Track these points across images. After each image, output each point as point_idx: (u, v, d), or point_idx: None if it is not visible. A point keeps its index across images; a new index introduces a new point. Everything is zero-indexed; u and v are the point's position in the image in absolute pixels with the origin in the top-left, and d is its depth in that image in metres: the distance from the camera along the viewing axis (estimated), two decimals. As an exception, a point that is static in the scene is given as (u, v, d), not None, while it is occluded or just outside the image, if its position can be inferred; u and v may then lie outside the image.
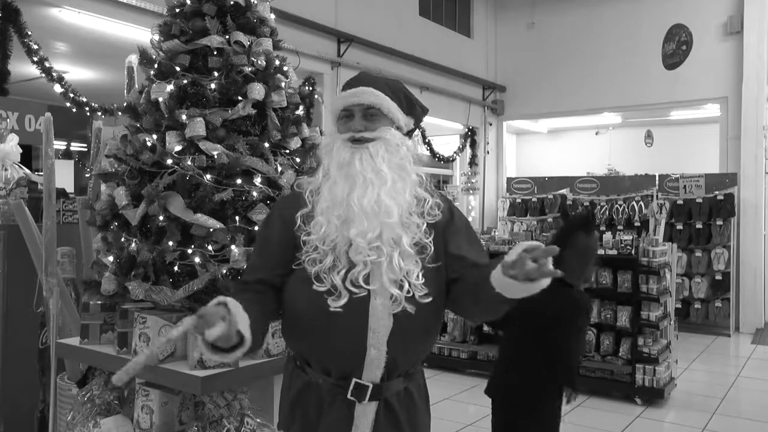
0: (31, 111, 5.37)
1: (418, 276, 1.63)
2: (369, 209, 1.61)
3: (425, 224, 1.68)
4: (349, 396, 1.64)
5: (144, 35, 3.86)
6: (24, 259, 3.61)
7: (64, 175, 9.02)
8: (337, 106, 1.77)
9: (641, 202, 8.89)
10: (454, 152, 11.19)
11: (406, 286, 1.61)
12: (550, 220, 9.69)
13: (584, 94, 10.59)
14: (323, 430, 1.69)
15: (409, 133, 1.81)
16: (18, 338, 3.72)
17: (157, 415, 2.42)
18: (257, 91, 2.72)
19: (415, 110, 1.82)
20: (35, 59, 5.32)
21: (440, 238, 1.71)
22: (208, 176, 2.58)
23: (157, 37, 2.89)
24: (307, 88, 2.98)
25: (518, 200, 10.31)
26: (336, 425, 1.66)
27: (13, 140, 4.26)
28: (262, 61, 2.80)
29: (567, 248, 2.86)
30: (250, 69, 2.75)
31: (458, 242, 1.73)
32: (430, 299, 1.63)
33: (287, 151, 2.85)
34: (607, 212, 9.23)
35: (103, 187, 3.00)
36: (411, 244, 1.63)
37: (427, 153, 10.44)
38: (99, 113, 5.72)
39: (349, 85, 1.78)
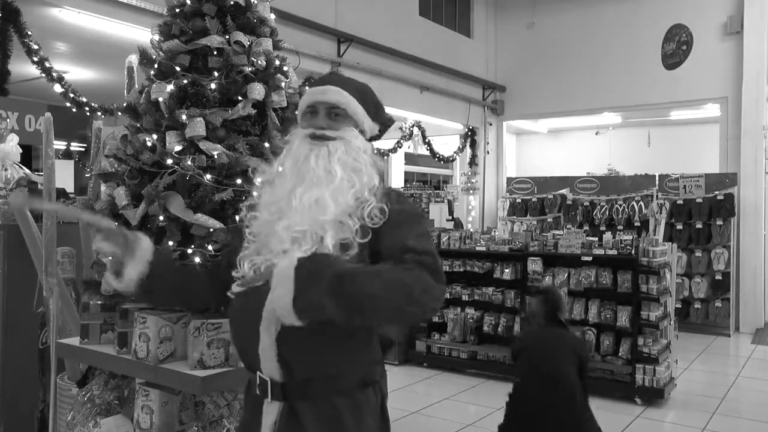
0: (31, 111, 5.37)
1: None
2: (306, 205, 1.58)
3: (359, 226, 1.58)
4: (257, 391, 1.64)
5: (144, 35, 3.87)
6: (24, 259, 3.61)
7: (64, 175, 9.02)
8: (303, 102, 1.77)
9: (641, 202, 8.90)
10: (454, 152, 11.19)
11: None
12: (550, 220, 9.70)
13: (584, 94, 10.59)
14: (240, 424, 1.77)
15: (372, 139, 1.81)
16: (18, 338, 3.72)
17: (157, 415, 2.42)
18: (257, 91, 2.72)
19: (381, 116, 1.81)
20: (35, 59, 5.32)
21: (375, 240, 1.60)
22: (208, 176, 2.58)
23: (157, 37, 2.89)
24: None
25: (518, 200, 10.31)
26: (249, 420, 1.69)
27: (13, 140, 4.26)
28: (262, 61, 2.80)
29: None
30: (250, 69, 2.75)
31: (387, 240, 1.60)
32: None
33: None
34: (607, 212, 9.23)
35: (103, 187, 3.00)
36: (335, 243, 1.55)
37: (427, 153, 10.46)
38: (99, 113, 5.73)
39: (317, 82, 1.78)
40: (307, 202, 1.58)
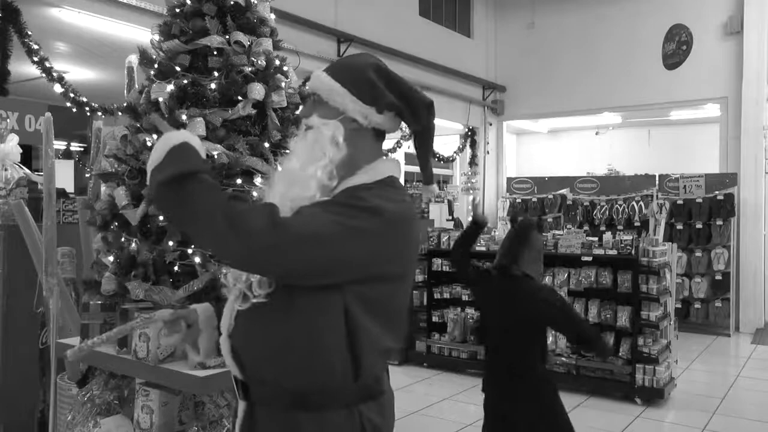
0: (31, 111, 5.37)
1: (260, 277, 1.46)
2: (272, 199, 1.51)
3: None
4: (235, 388, 1.61)
5: (144, 35, 3.87)
6: (24, 259, 3.61)
7: (64, 175, 9.02)
8: None
9: (641, 202, 8.89)
10: (454, 152, 11.20)
11: (253, 282, 1.47)
12: (550, 220, 9.69)
13: (584, 94, 10.59)
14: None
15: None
16: (18, 338, 3.72)
17: (157, 415, 2.42)
18: (257, 91, 2.72)
19: (380, 98, 1.55)
20: (35, 59, 5.32)
21: None
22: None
23: (157, 37, 2.89)
24: (307, 88, 2.97)
25: (518, 200, 10.31)
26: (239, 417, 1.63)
27: (13, 140, 4.26)
28: (262, 61, 2.80)
29: (524, 246, 3.02)
30: (250, 69, 2.75)
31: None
32: (263, 301, 1.45)
33: (287, 151, 2.85)
34: (607, 212, 9.23)
35: (103, 187, 3.00)
36: None
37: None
38: (99, 113, 5.73)
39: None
40: (274, 196, 1.50)
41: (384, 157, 1.62)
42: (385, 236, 1.44)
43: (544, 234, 6.51)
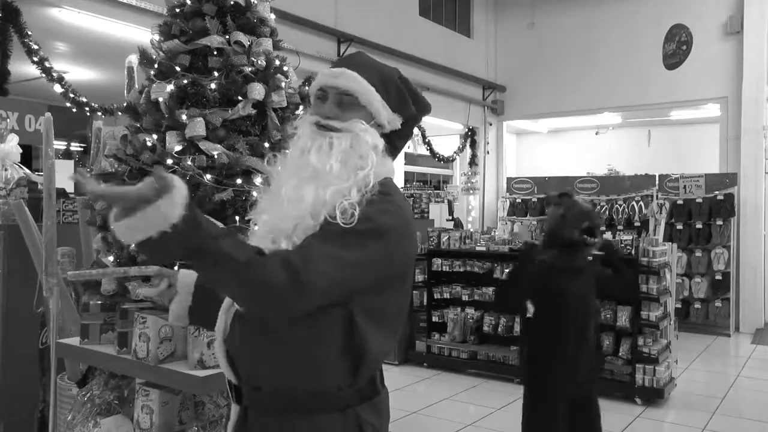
0: (31, 111, 5.37)
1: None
2: (289, 199, 1.45)
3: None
4: (228, 391, 1.59)
5: (144, 35, 3.87)
6: (24, 259, 3.61)
7: (64, 175, 9.01)
8: (314, 84, 1.57)
9: (641, 202, 8.89)
10: (454, 152, 11.19)
11: None
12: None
13: (584, 94, 10.59)
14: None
15: (399, 135, 1.60)
16: (18, 338, 3.72)
17: (157, 415, 2.42)
18: (257, 91, 2.72)
19: (405, 107, 1.57)
20: (35, 59, 5.32)
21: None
22: (208, 176, 2.58)
23: (157, 37, 2.89)
24: (307, 88, 2.98)
25: (518, 200, 10.31)
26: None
27: (13, 140, 4.26)
28: (262, 61, 2.81)
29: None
30: (250, 69, 2.75)
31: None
32: None
33: (287, 151, 2.85)
34: (607, 212, 9.23)
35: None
36: (285, 240, 1.42)
37: (427, 153, 10.45)
38: (99, 113, 5.73)
39: (336, 64, 1.59)
40: (293, 196, 1.44)
41: (382, 158, 1.57)
42: (392, 255, 1.44)
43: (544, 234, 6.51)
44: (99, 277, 1.71)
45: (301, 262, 1.31)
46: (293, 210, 1.42)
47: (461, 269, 6.52)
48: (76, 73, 7.96)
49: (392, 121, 1.56)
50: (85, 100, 5.76)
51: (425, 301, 6.74)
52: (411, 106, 1.58)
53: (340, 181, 1.42)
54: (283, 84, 2.88)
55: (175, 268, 1.79)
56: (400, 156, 9.93)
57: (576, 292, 2.94)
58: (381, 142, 1.51)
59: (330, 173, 1.43)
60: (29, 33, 5.21)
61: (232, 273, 1.30)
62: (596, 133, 12.60)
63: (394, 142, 1.60)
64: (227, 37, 2.77)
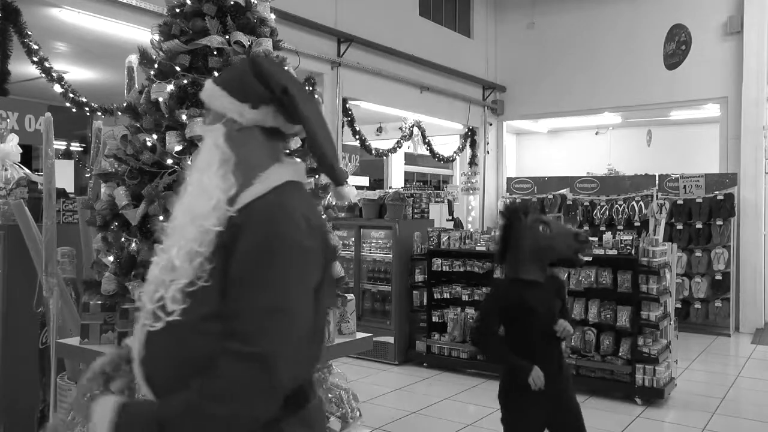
0: (31, 111, 5.37)
1: (173, 292, 1.37)
2: (178, 215, 1.47)
3: (208, 233, 1.39)
4: None
5: (144, 35, 3.87)
6: (24, 259, 3.61)
7: (64, 175, 9.01)
8: None
9: (641, 202, 8.89)
10: (454, 152, 11.19)
11: (166, 299, 1.39)
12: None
13: (584, 94, 10.59)
14: None
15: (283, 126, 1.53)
16: (18, 338, 3.72)
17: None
18: (257, 91, 2.72)
19: (249, 94, 1.48)
20: (35, 59, 5.33)
21: (220, 254, 1.37)
22: (208, 176, 2.57)
23: (157, 37, 2.89)
24: (307, 88, 2.97)
25: (518, 200, 10.31)
26: None
27: (13, 140, 4.26)
28: (262, 61, 2.80)
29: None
30: (250, 69, 2.75)
31: (230, 286, 1.36)
32: (176, 319, 1.36)
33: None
34: (607, 212, 9.23)
35: (103, 187, 3.00)
36: (184, 253, 1.39)
37: (427, 153, 10.46)
38: (99, 113, 5.73)
39: None
40: (177, 210, 1.47)
41: (280, 162, 1.53)
42: (309, 264, 1.41)
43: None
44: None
45: (255, 345, 1.29)
46: (179, 220, 1.45)
47: (461, 269, 6.52)
48: (76, 73, 7.96)
49: (243, 111, 1.48)
50: (85, 100, 5.76)
51: (425, 301, 6.74)
52: (257, 88, 1.48)
53: (202, 189, 1.44)
54: (283, 84, 2.87)
55: None
56: (400, 156, 9.90)
57: (542, 300, 3.03)
58: (220, 137, 1.47)
59: (194, 179, 1.47)
60: (29, 33, 5.21)
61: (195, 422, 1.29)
62: (596, 133, 12.61)
63: (280, 136, 1.54)
64: (227, 37, 2.77)
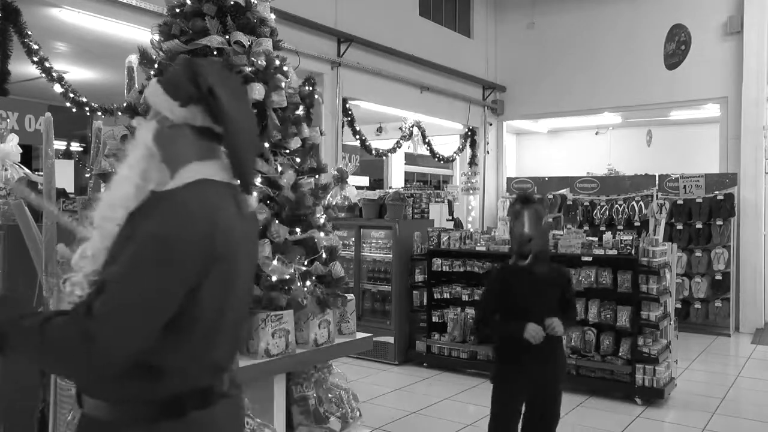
0: (31, 111, 5.37)
1: (80, 278, 1.51)
2: (99, 207, 1.57)
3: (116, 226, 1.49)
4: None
5: (144, 35, 3.87)
6: (24, 259, 3.60)
7: (64, 175, 9.01)
8: None
9: (641, 202, 8.89)
10: (454, 152, 11.19)
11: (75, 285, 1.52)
12: (550, 220, 9.69)
13: (584, 94, 10.59)
14: None
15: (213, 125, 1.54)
16: (18, 338, 3.71)
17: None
18: (257, 91, 2.72)
19: (179, 92, 1.51)
20: (35, 59, 5.32)
21: (123, 245, 1.42)
22: (208, 176, 2.58)
23: (157, 37, 2.89)
24: (307, 88, 2.97)
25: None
26: None
27: (13, 140, 4.26)
28: (262, 61, 2.81)
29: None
30: (250, 69, 2.75)
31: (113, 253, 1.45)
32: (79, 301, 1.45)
33: (287, 151, 2.86)
34: (607, 212, 9.23)
35: (103, 187, 3.00)
36: (97, 243, 1.49)
37: (427, 153, 10.45)
38: (99, 113, 5.73)
39: None
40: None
41: (202, 160, 1.53)
42: (178, 260, 1.38)
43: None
44: (38, 206, 1.84)
45: (103, 304, 1.35)
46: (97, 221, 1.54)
47: (461, 269, 6.52)
48: (76, 73, 7.96)
49: (173, 108, 1.51)
50: (85, 100, 5.76)
51: (425, 301, 6.74)
52: (187, 87, 1.51)
53: (119, 180, 1.54)
54: (283, 84, 2.88)
55: None
56: (400, 156, 9.90)
57: (530, 287, 3.17)
58: (149, 133, 1.53)
59: (121, 179, 1.54)
60: (29, 33, 5.21)
61: (53, 360, 1.42)
62: (596, 133, 12.61)
63: (213, 136, 1.55)
64: (227, 37, 2.77)
